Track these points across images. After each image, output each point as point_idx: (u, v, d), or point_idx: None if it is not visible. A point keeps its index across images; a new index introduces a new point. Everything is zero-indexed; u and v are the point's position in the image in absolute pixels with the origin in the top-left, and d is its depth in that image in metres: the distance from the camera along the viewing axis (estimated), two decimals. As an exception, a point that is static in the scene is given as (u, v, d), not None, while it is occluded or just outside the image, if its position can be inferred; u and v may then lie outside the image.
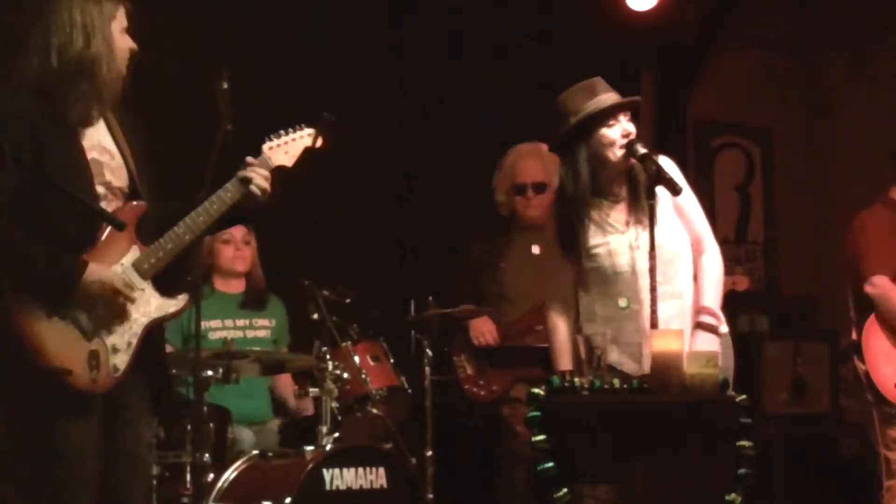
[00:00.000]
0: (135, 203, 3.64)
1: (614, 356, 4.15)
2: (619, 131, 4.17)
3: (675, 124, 8.14)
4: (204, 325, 5.28)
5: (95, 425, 3.49)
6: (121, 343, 3.52)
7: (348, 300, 5.54)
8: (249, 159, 3.76)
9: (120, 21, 3.66)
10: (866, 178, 5.82)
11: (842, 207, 7.07)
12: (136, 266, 3.59)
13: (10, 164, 3.21)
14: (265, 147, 3.81)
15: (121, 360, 3.51)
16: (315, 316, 5.41)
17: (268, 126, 4.00)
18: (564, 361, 4.28)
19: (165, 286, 3.69)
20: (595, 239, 4.24)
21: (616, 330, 4.19)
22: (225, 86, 3.96)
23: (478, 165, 6.03)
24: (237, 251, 5.69)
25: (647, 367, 3.96)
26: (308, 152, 3.89)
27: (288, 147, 3.85)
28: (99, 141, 3.65)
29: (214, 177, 3.80)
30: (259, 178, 3.73)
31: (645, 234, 4.11)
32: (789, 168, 8.74)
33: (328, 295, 5.45)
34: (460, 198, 6.26)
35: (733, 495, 3.64)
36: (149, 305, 3.60)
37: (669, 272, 4.17)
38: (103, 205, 3.58)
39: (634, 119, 4.26)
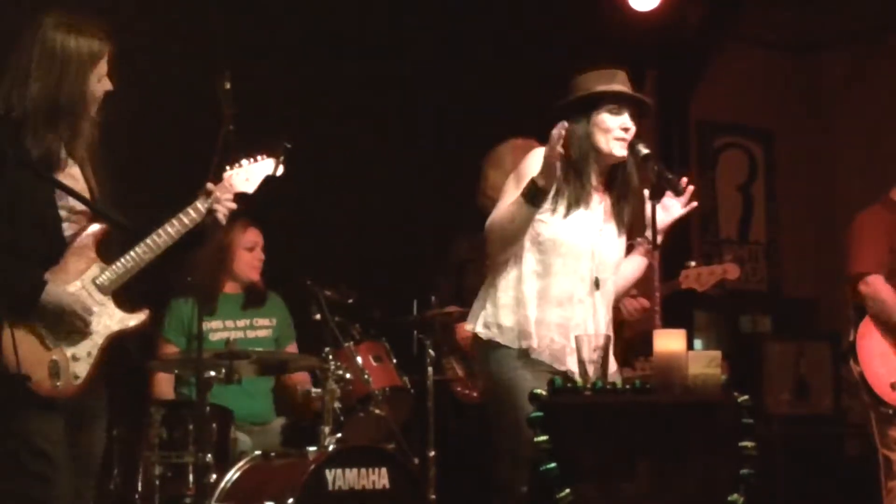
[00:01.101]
0: (96, 226, 3.77)
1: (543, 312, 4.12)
2: (619, 122, 4.15)
3: (678, 124, 8.15)
4: (205, 325, 5.29)
5: (62, 428, 3.64)
6: (81, 353, 3.70)
7: (350, 300, 5.54)
8: (210, 186, 3.89)
9: (100, 69, 3.76)
10: (868, 178, 5.83)
11: (844, 207, 7.07)
12: (98, 283, 3.75)
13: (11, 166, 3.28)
14: (226, 175, 3.96)
15: (81, 369, 3.69)
16: (317, 316, 5.41)
17: (270, 127, 4.04)
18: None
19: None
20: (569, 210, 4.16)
21: (542, 291, 4.12)
22: (227, 86, 3.99)
23: (481, 165, 6.02)
24: (259, 260, 5.69)
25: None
26: (269, 179, 4.07)
27: (249, 174, 4.03)
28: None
29: (217, 178, 3.94)
30: (222, 206, 3.89)
31: (609, 231, 4.17)
32: (791, 168, 8.75)
33: (330, 295, 5.46)
34: (463, 198, 6.25)
35: (736, 496, 3.64)
36: (109, 319, 3.76)
37: (612, 277, 4.21)
38: (64, 227, 3.72)
39: (641, 119, 4.24)
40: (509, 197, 4.10)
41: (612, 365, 4.10)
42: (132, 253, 3.77)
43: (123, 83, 5.56)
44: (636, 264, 4.33)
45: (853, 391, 5.56)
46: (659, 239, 4.13)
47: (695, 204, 4.25)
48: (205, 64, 4.27)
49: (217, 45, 5.98)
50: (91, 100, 3.74)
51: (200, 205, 3.86)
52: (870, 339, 5.26)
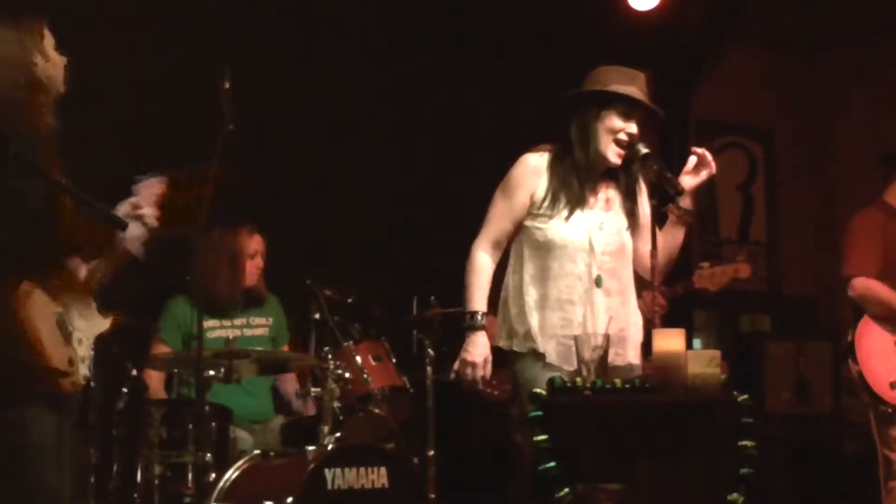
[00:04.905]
0: None
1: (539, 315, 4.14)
2: (624, 127, 4.14)
3: (678, 124, 8.12)
4: (202, 323, 5.28)
5: (69, 426, 3.56)
6: (84, 355, 3.63)
7: (350, 299, 5.54)
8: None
9: (49, 38, 3.67)
10: (869, 178, 5.82)
11: (844, 207, 7.07)
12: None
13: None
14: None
15: (83, 371, 3.61)
16: (317, 315, 5.41)
17: (270, 127, 4.03)
18: (481, 301, 4.18)
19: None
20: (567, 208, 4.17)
21: (542, 296, 4.13)
22: (227, 86, 3.97)
23: (479, 164, 6.03)
24: (257, 267, 5.66)
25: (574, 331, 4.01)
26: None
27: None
28: None
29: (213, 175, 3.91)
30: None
31: (610, 221, 4.16)
32: (791, 168, 8.75)
33: (330, 294, 5.46)
34: (463, 197, 6.27)
35: (735, 495, 3.64)
36: (96, 323, 3.70)
37: (621, 267, 4.19)
38: None
39: (648, 125, 4.22)
40: (496, 209, 4.23)
41: (635, 354, 4.18)
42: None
43: (125, 82, 5.60)
44: (671, 235, 4.27)
45: (853, 391, 5.56)
46: (690, 203, 4.19)
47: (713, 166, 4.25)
48: (205, 64, 4.25)
49: (217, 44, 5.97)
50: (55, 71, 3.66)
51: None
52: (868, 339, 5.26)
